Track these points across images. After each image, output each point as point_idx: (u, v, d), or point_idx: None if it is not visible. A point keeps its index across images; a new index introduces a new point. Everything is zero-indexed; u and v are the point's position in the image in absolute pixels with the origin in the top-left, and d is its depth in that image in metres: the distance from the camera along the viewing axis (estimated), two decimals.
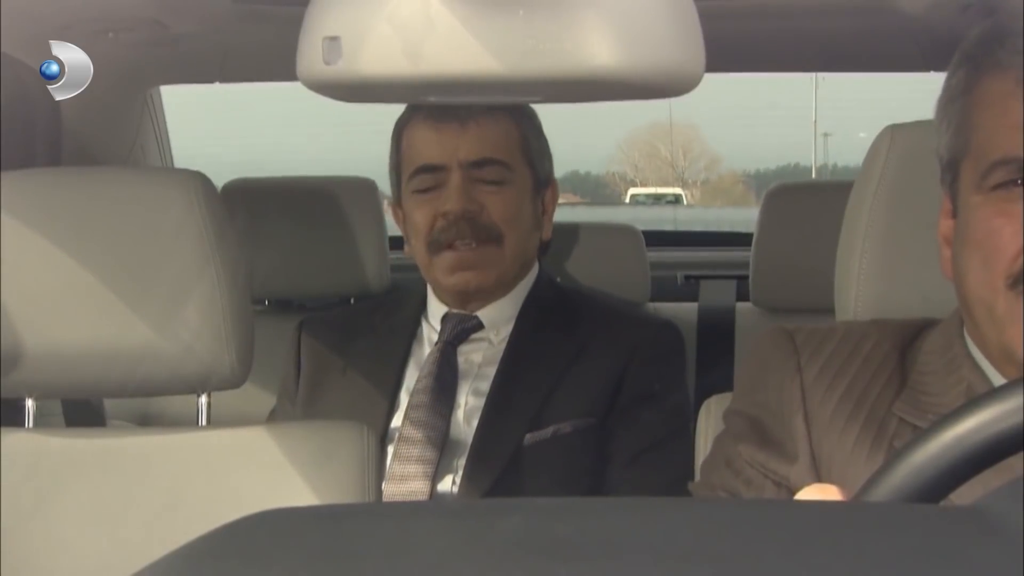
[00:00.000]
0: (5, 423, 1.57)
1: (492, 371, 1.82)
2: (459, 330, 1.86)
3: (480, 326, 1.86)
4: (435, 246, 1.81)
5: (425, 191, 1.83)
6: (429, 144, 1.82)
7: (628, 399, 1.79)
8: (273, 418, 1.94)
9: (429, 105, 1.80)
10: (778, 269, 2.38)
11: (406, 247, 1.91)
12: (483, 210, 1.80)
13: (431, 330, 1.88)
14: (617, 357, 1.80)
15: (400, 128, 1.88)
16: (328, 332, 1.94)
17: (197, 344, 1.48)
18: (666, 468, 1.74)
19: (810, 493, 0.76)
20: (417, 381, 1.83)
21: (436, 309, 1.89)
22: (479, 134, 1.81)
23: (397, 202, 1.91)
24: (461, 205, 1.79)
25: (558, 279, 2.30)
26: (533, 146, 1.87)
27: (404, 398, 1.83)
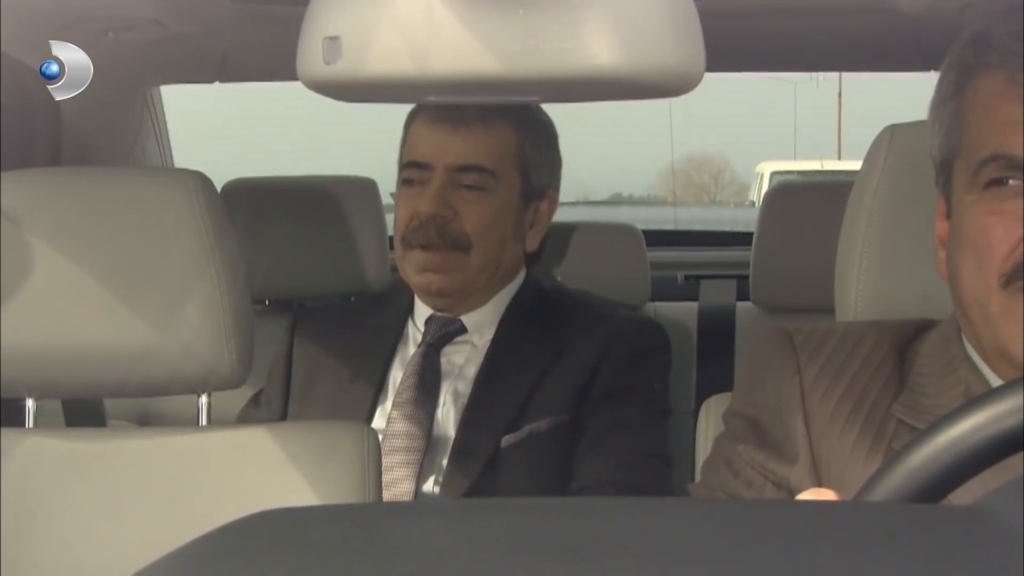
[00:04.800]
0: (5, 423, 1.57)
1: (474, 373, 1.83)
2: (443, 333, 1.86)
3: (463, 330, 1.87)
4: (406, 243, 1.84)
5: (411, 186, 1.85)
6: (422, 141, 1.84)
7: (600, 392, 1.80)
8: (252, 408, 1.95)
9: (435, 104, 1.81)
10: (778, 269, 2.38)
11: None
12: (456, 216, 1.81)
13: (416, 331, 1.89)
14: (593, 353, 1.81)
15: (409, 120, 1.90)
16: (320, 330, 1.96)
17: (197, 344, 1.48)
18: (629, 444, 1.75)
19: (806, 497, 0.76)
20: (400, 383, 1.84)
21: (422, 311, 1.89)
22: (469, 139, 1.81)
23: None
24: (434, 209, 1.80)
25: (558, 279, 2.30)
26: (530, 156, 1.86)
27: (388, 398, 1.84)
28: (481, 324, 1.87)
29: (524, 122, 1.86)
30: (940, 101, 1.15)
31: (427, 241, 1.81)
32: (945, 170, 1.14)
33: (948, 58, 1.16)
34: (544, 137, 1.90)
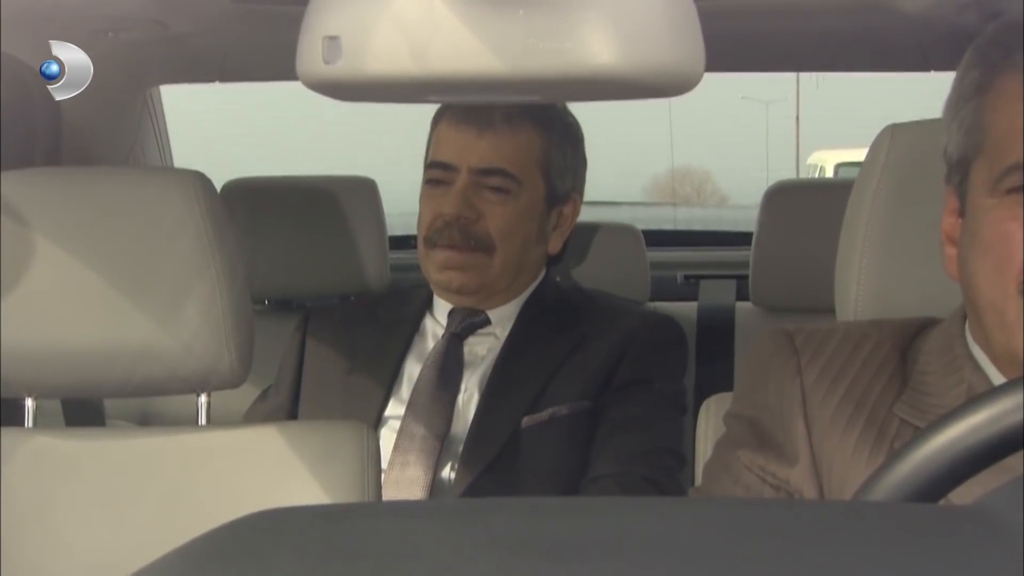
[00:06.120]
0: (5, 423, 1.57)
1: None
2: (467, 324, 1.89)
3: (487, 322, 1.89)
4: (429, 243, 1.86)
5: (435, 186, 1.87)
6: (448, 142, 1.86)
7: (621, 382, 1.82)
8: (259, 402, 1.95)
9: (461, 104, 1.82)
10: (778, 269, 2.38)
11: None
12: (480, 219, 1.83)
13: (436, 324, 1.91)
14: (615, 346, 1.84)
15: (435, 120, 1.92)
16: (332, 323, 1.98)
17: (197, 344, 1.48)
18: (646, 438, 1.78)
19: None
20: (421, 370, 1.86)
21: (443, 305, 1.91)
22: (494, 143, 1.83)
23: None
24: (458, 211, 1.82)
25: (558, 278, 2.31)
26: (555, 160, 1.88)
27: (403, 388, 1.86)
28: (504, 318, 1.90)
29: (550, 125, 1.88)
30: (959, 98, 1.13)
31: (451, 242, 1.83)
32: (961, 169, 1.12)
33: (970, 55, 1.13)
34: (569, 140, 1.92)
